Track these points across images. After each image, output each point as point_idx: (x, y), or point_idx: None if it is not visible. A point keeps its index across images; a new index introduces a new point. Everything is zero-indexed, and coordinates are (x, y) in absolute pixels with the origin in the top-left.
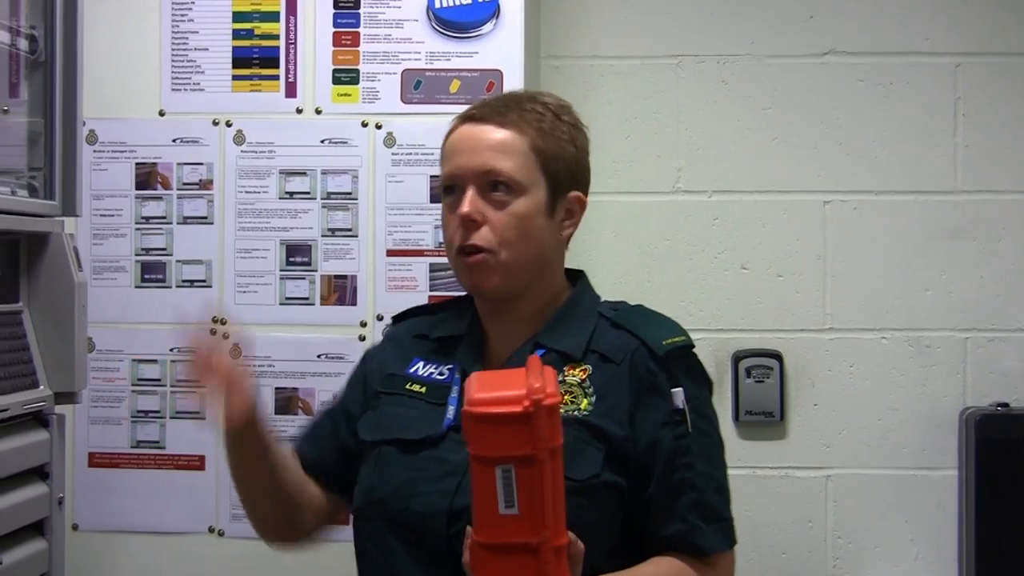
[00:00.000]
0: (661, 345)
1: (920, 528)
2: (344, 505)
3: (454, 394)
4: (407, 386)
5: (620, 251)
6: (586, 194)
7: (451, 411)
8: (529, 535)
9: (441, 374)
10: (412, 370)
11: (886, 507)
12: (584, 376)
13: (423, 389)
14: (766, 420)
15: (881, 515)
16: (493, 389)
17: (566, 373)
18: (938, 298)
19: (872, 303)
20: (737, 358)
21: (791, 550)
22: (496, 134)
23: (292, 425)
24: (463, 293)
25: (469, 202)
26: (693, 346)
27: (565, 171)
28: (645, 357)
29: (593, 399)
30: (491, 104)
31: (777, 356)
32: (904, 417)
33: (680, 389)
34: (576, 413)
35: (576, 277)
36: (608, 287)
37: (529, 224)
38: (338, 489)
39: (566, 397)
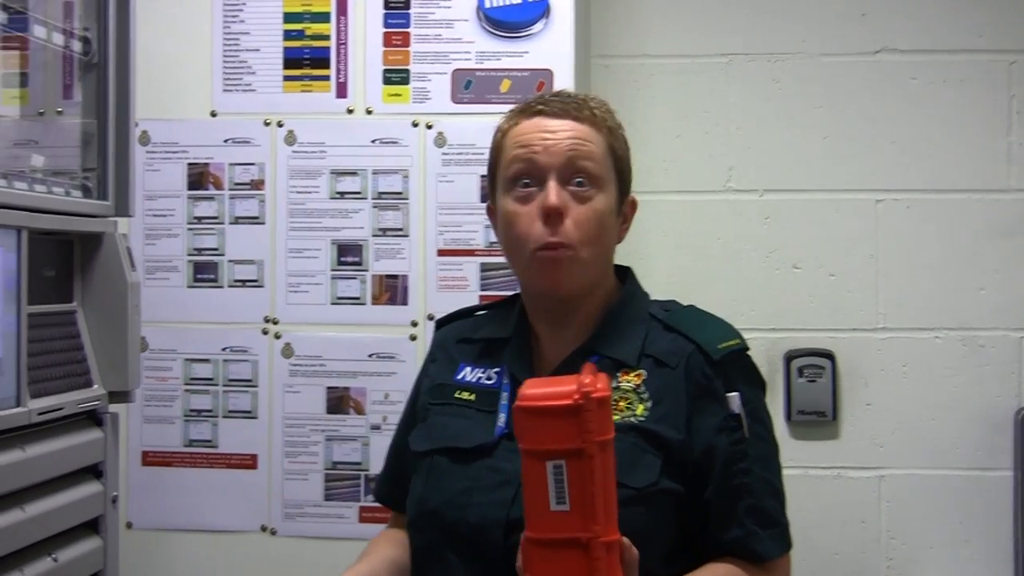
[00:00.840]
0: (716, 349)
1: (975, 529)
2: None
3: (504, 400)
4: (456, 394)
5: (671, 250)
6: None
7: (502, 418)
8: (580, 530)
9: (489, 379)
10: (460, 376)
11: (940, 508)
12: (639, 381)
13: (472, 396)
14: (818, 420)
15: (935, 516)
16: (544, 387)
17: (620, 379)
18: (992, 297)
19: (925, 302)
20: (789, 357)
21: (844, 550)
22: (576, 126)
23: (343, 424)
24: (514, 292)
25: (556, 193)
26: (747, 348)
27: (627, 173)
28: (700, 362)
29: (649, 404)
30: (559, 100)
31: (829, 355)
32: (958, 417)
33: (736, 394)
34: (632, 419)
35: (623, 272)
36: (659, 286)
37: (606, 222)
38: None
39: (621, 403)
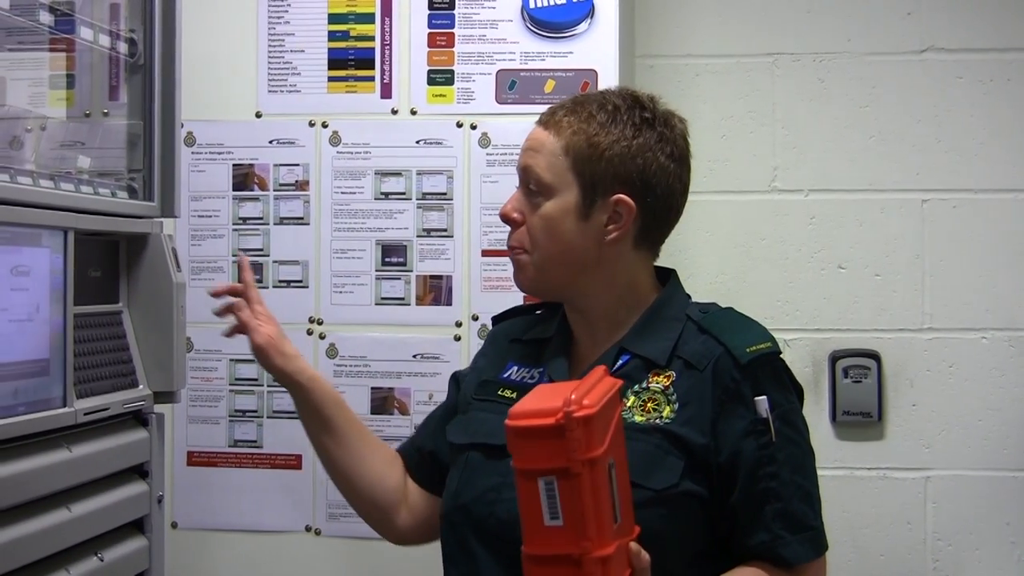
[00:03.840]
0: (745, 353)
1: (1022, 530)
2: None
3: None
4: (499, 392)
5: (716, 250)
6: (651, 194)
7: None
8: (572, 546)
9: (532, 378)
10: (506, 375)
11: (987, 509)
12: (668, 383)
13: (514, 395)
14: (864, 420)
15: (982, 517)
16: (538, 402)
17: (650, 380)
18: None
19: (972, 302)
20: (834, 358)
21: (890, 552)
22: (538, 134)
23: (388, 425)
24: None
25: (511, 201)
26: (779, 352)
27: (606, 173)
28: (729, 365)
29: (676, 407)
30: (553, 106)
31: (875, 356)
32: (1005, 418)
33: (764, 398)
34: (658, 421)
35: (666, 275)
36: (704, 286)
37: (556, 226)
38: (429, 485)
39: (649, 404)
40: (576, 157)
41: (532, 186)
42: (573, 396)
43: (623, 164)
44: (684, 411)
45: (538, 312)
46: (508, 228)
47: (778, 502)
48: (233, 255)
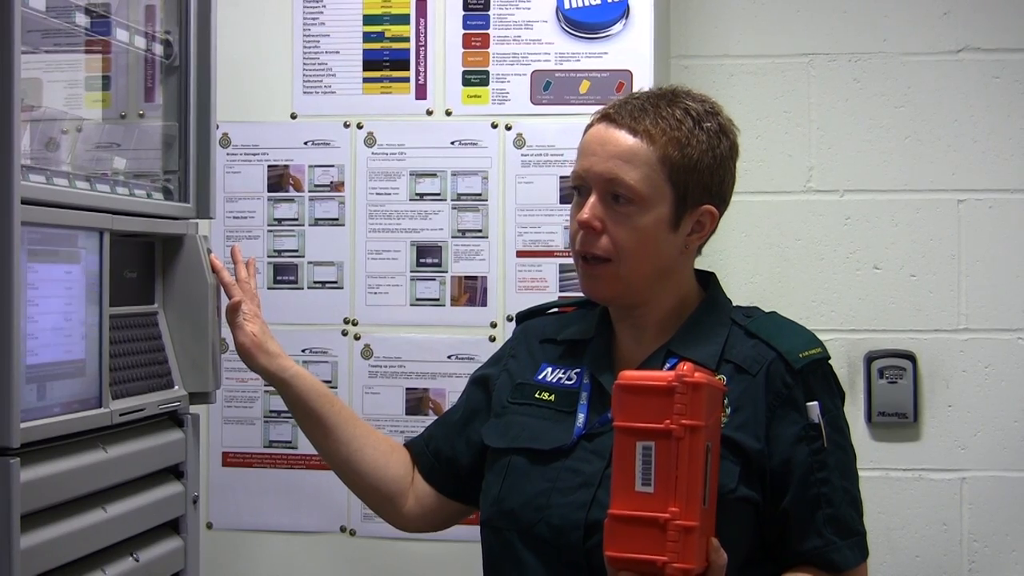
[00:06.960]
0: (798, 358)
1: None
2: (453, 506)
3: (583, 401)
4: (536, 395)
5: (751, 251)
6: (724, 203)
7: (581, 419)
8: (659, 510)
9: (570, 379)
10: (541, 377)
11: (1023, 510)
12: None
13: (552, 397)
14: (899, 421)
15: (1018, 518)
16: (644, 372)
17: None
18: None
19: (1008, 303)
20: (870, 359)
21: (925, 553)
22: (626, 141)
23: (422, 425)
24: None
25: (589, 208)
26: (828, 357)
27: (697, 184)
28: (781, 370)
29: (728, 411)
30: (629, 106)
31: (910, 357)
32: None
33: (816, 403)
34: None
35: (706, 278)
36: (739, 287)
37: (650, 238)
38: (444, 490)
39: None
40: (672, 168)
41: (621, 196)
42: (686, 368)
43: (711, 176)
44: (737, 416)
45: (556, 311)
46: (540, 228)
47: (829, 507)
48: (268, 256)
